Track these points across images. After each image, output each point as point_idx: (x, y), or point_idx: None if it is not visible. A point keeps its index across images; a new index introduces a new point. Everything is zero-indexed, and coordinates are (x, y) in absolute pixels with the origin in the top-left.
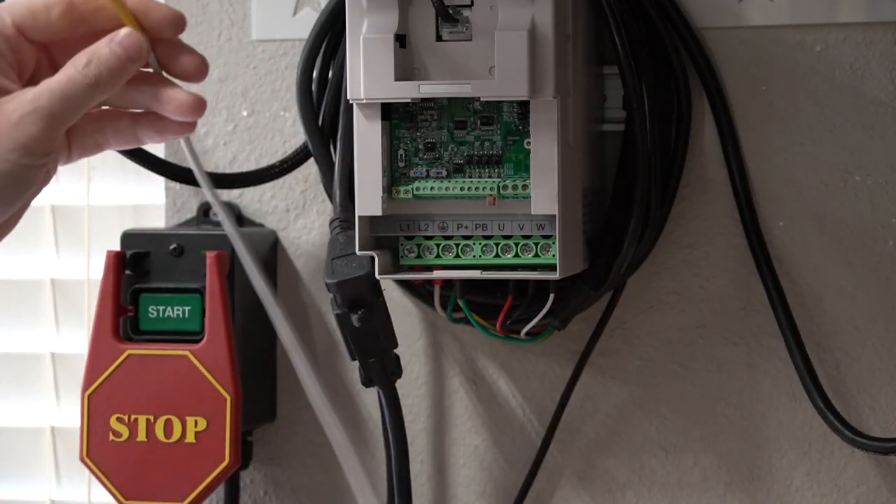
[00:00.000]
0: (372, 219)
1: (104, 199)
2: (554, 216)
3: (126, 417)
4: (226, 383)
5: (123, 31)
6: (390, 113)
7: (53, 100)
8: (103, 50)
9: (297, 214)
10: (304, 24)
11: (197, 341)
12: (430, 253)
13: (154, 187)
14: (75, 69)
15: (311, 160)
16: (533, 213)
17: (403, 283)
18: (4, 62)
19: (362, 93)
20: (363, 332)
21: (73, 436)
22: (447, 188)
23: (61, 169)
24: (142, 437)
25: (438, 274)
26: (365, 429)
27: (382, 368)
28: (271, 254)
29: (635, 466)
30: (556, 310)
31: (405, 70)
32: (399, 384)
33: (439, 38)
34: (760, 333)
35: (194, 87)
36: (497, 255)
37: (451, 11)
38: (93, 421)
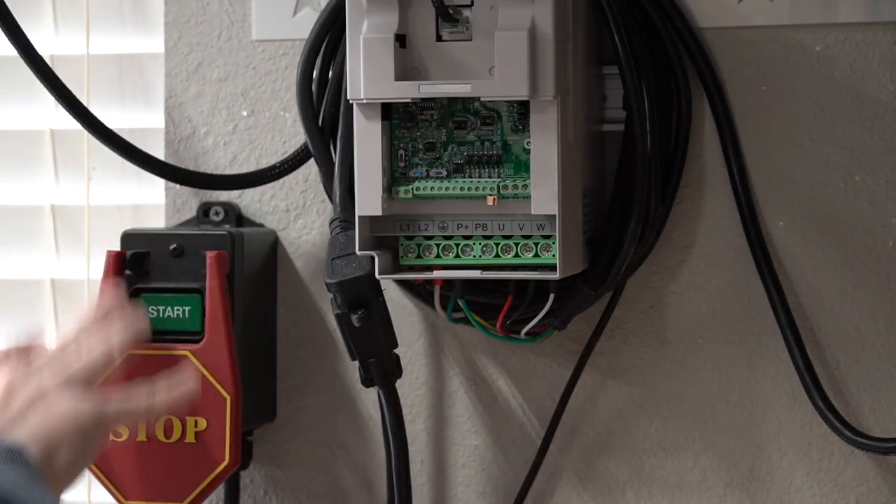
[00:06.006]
0: (372, 219)
1: (104, 199)
2: (554, 216)
3: None
4: (226, 383)
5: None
6: (390, 113)
7: None
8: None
9: (297, 214)
10: (304, 24)
11: (197, 341)
12: (430, 253)
13: (154, 187)
14: None
15: (311, 160)
16: (533, 213)
17: (403, 283)
18: None
19: (362, 93)
20: (363, 332)
21: None
22: (447, 188)
23: (61, 169)
24: (142, 437)
25: (438, 274)
26: (365, 429)
27: (382, 368)
28: (271, 254)
29: (635, 466)
30: (556, 310)
31: (405, 70)
32: (399, 384)
33: (439, 38)
34: (760, 333)
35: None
36: (497, 255)
37: (451, 11)
38: None
